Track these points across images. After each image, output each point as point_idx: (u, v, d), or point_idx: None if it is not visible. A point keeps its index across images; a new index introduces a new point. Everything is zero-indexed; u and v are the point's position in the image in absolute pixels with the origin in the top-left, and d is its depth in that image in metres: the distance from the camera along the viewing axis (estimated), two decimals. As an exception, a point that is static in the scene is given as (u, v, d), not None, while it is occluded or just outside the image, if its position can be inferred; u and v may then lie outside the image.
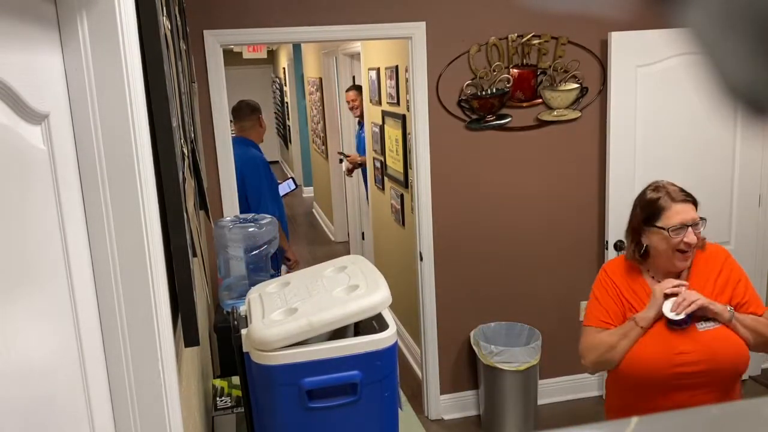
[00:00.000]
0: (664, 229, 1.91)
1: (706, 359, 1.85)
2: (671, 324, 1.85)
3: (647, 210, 1.97)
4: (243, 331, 1.59)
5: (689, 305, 1.83)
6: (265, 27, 3.13)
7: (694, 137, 3.51)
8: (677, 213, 1.91)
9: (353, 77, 6.05)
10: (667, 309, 1.85)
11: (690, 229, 1.90)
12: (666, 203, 1.93)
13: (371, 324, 1.71)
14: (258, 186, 3.71)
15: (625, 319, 1.97)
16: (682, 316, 1.83)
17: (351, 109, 5.70)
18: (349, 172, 5.87)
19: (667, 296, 1.88)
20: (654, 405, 1.91)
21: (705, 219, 1.94)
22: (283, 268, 4.03)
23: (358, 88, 5.57)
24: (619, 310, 1.99)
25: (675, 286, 1.88)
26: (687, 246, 1.90)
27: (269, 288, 1.79)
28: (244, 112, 3.92)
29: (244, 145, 3.81)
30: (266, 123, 4.10)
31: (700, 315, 1.88)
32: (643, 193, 2.03)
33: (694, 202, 1.95)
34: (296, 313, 1.53)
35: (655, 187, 2.00)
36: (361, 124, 5.73)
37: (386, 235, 4.94)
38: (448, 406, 3.72)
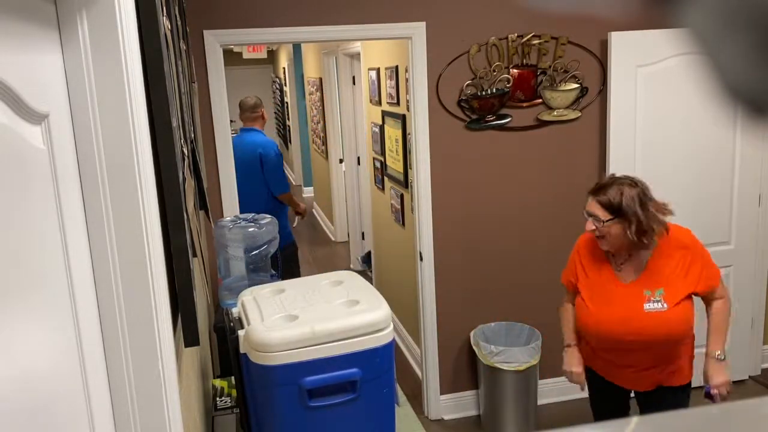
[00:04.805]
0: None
1: (644, 335, 2.20)
2: (706, 396, 2.28)
3: None
4: (240, 333, 1.59)
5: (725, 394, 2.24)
6: (265, 27, 3.13)
7: (694, 137, 3.51)
8: (588, 204, 2.26)
9: (353, 77, 6.05)
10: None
11: (590, 219, 2.23)
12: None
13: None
14: (278, 165, 4.22)
15: (575, 280, 2.44)
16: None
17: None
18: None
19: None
20: (605, 353, 2.38)
21: (604, 220, 2.19)
22: (297, 218, 4.59)
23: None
24: (572, 273, 2.48)
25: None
26: (591, 231, 2.25)
27: (263, 292, 1.78)
28: (249, 105, 4.40)
29: (255, 132, 4.32)
30: (266, 122, 4.63)
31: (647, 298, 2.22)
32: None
33: (602, 200, 2.20)
34: (297, 320, 1.54)
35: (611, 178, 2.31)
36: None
37: (386, 235, 4.94)
38: (448, 406, 3.72)
